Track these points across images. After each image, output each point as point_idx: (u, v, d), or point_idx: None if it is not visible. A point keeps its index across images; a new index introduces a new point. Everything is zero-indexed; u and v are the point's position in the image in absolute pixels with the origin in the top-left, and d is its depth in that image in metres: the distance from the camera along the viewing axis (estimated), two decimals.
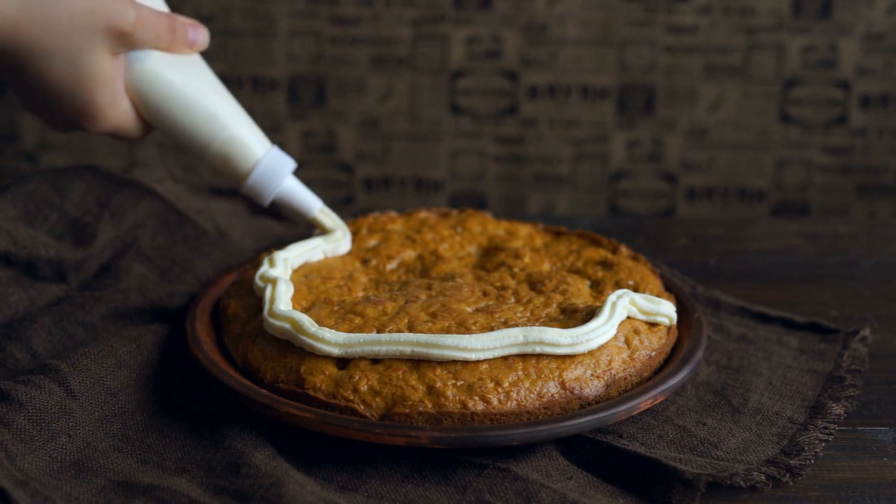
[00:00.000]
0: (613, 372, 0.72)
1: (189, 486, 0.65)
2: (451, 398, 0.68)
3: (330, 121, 1.49)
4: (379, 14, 1.44)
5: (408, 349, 0.70)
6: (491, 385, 0.69)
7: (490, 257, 0.86)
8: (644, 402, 0.71)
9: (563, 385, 0.70)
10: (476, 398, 0.69)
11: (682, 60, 1.45)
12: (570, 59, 1.45)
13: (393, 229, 0.90)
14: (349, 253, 0.87)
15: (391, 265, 0.86)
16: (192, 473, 0.67)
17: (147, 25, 0.79)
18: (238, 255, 0.92)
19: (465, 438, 0.66)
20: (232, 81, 1.45)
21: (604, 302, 0.75)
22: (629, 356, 0.73)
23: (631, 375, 0.73)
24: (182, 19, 0.82)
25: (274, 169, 0.85)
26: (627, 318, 0.76)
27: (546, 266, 0.84)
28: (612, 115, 1.48)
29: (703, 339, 0.77)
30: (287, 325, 0.73)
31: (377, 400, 0.69)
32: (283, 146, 1.46)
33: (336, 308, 0.76)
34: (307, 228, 0.99)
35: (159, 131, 0.84)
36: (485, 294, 0.79)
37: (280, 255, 0.82)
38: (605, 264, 0.84)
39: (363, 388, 0.69)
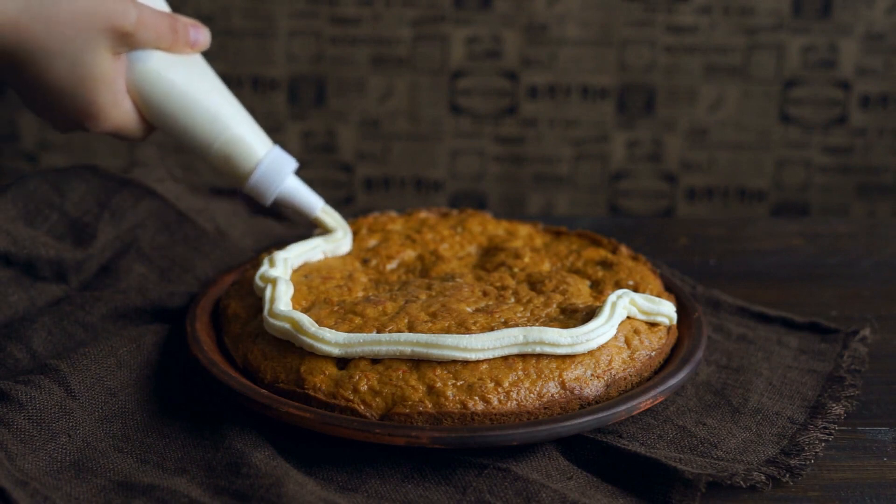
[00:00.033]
0: (613, 372, 0.72)
1: (189, 486, 0.65)
2: (451, 398, 0.68)
3: (330, 121, 1.49)
4: (379, 14, 1.44)
5: (408, 349, 0.70)
6: (491, 385, 0.69)
7: (490, 257, 0.86)
8: (644, 402, 0.71)
9: (563, 385, 0.70)
10: (476, 398, 0.69)
11: (682, 60, 1.45)
12: (570, 59, 1.45)
13: (393, 229, 0.90)
14: (349, 253, 0.87)
15: (391, 265, 0.86)
16: (192, 473, 0.67)
17: (148, 25, 0.79)
18: (238, 255, 0.92)
19: (465, 438, 0.66)
20: (232, 81, 1.45)
21: (604, 302, 0.75)
22: (629, 356, 0.73)
23: (631, 375, 0.73)
24: (183, 19, 0.82)
25: (276, 168, 0.85)
26: (627, 318, 0.75)
27: (546, 266, 0.84)
28: (612, 115, 1.48)
29: (703, 339, 0.77)
30: (287, 325, 0.73)
31: (377, 400, 0.69)
32: (284, 146, 1.46)
33: (336, 308, 0.76)
34: (307, 228, 0.99)
35: (161, 131, 0.84)
36: (485, 294, 0.79)
37: (280, 255, 0.82)
38: (605, 264, 0.84)
39: (363, 388, 0.69)
